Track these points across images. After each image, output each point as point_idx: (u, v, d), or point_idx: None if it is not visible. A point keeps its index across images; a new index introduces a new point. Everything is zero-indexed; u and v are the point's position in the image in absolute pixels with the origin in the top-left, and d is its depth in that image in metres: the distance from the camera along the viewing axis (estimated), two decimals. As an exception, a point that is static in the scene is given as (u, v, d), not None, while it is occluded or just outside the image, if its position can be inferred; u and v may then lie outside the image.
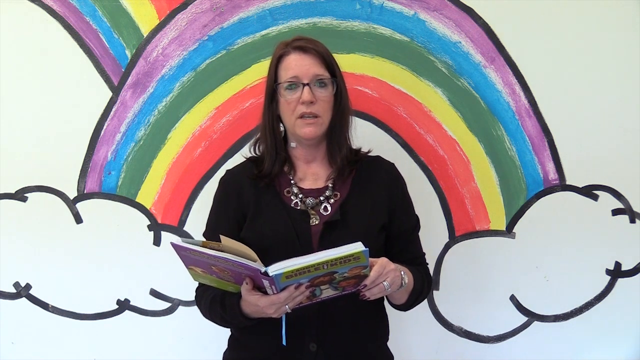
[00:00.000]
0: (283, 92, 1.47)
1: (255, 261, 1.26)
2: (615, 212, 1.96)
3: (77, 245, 1.95)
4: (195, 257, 1.32)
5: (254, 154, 1.58)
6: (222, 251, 1.28)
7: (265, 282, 1.27)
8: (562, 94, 1.92)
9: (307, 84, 1.45)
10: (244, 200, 1.52)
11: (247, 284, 1.32)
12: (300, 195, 1.51)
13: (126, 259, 1.96)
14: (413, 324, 1.95)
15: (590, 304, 1.98)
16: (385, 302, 1.58)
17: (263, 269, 1.25)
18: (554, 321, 1.99)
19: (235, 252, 1.28)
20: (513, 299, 1.99)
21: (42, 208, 1.94)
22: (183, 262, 1.37)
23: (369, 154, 1.60)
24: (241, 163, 1.61)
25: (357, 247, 1.25)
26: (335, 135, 1.53)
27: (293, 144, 1.55)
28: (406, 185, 1.60)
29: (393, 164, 1.61)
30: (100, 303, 1.97)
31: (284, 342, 1.39)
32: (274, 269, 1.24)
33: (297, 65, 1.46)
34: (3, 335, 1.97)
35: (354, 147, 1.59)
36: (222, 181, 1.59)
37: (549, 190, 1.96)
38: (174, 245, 1.31)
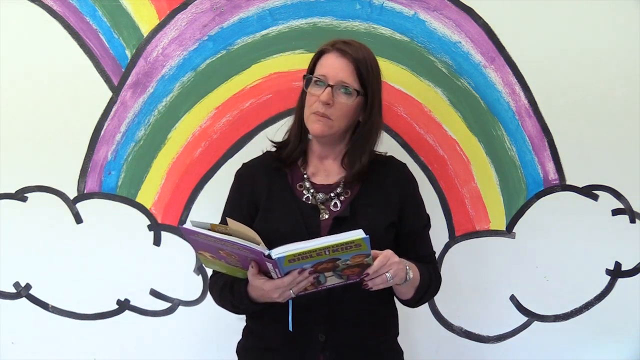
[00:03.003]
0: (310, 84, 1.51)
1: (259, 244, 1.30)
2: (615, 212, 1.96)
3: (77, 245, 1.95)
4: (204, 241, 1.35)
5: (280, 142, 1.61)
6: (228, 234, 1.31)
7: (270, 266, 1.31)
8: (562, 94, 1.92)
9: (331, 86, 1.47)
10: (257, 193, 1.56)
11: (252, 267, 1.35)
12: (312, 190, 1.54)
13: (126, 259, 1.96)
14: (413, 324, 1.95)
15: (590, 304, 1.98)
16: (395, 299, 1.59)
17: (266, 252, 1.29)
18: (554, 321, 1.99)
19: (240, 235, 1.31)
20: (513, 299, 1.99)
21: (42, 208, 1.94)
22: (192, 246, 1.41)
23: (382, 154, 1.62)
24: (258, 157, 1.64)
25: (358, 234, 1.27)
26: (359, 148, 1.54)
27: (310, 136, 1.58)
28: (417, 185, 1.62)
29: (405, 165, 1.63)
30: (100, 303, 1.97)
31: (290, 328, 1.42)
32: (277, 252, 1.28)
33: (330, 65, 1.49)
34: (3, 335, 1.97)
35: None
36: (237, 174, 1.63)
37: (549, 190, 1.96)
38: (184, 230, 1.34)
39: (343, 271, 1.33)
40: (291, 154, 1.56)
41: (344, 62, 1.48)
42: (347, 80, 1.48)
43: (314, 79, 1.50)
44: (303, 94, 1.55)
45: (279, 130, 1.66)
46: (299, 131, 1.57)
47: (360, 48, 1.52)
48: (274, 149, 1.61)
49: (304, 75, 1.54)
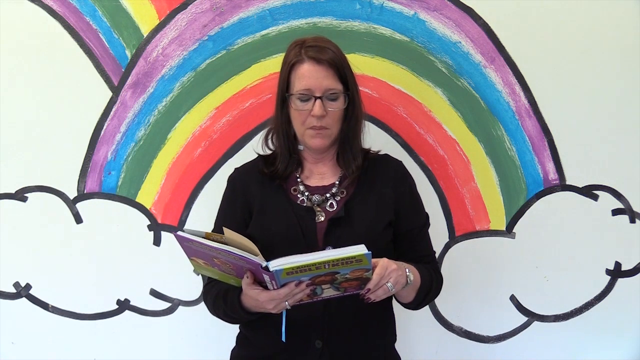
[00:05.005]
0: (295, 101, 1.47)
1: (257, 255, 1.27)
2: (615, 212, 1.96)
3: (77, 245, 1.95)
4: (198, 249, 1.32)
5: (267, 149, 1.59)
6: (224, 244, 1.29)
7: (266, 277, 1.28)
8: (562, 94, 1.92)
9: (319, 97, 1.45)
10: (251, 198, 1.54)
11: (247, 277, 1.32)
12: (306, 193, 1.52)
13: (126, 259, 1.96)
14: (413, 324, 1.95)
15: (590, 304, 1.98)
16: (394, 303, 1.58)
17: (264, 264, 1.26)
18: (554, 321, 1.99)
19: (237, 245, 1.28)
20: (513, 299, 1.99)
21: (42, 208, 1.94)
22: (185, 252, 1.38)
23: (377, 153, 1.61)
24: (250, 161, 1.63)
25: (360, 249, 1.24)
26: (348, 145, 1.53)
27: (301, 147, 1.56)
28: (414, 183, 1.60)
29: (401, 162, 1.61)
30: (100, 303, 1.97)
31: (283, 339, 1.40)
32: (275, 265, 1.25)
33: (311, 76, 1.45)
34: (3, 335, 1.97)
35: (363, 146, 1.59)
36: (230, 179, 1.61)
37: (549, 190, 1.96)
38: (178, 237, 1.32)
39: (341, 284, 1.31)
40: (285, 169, 1.54)
41: (323, 68, 1.45)
42: (332, 86, 1.46)
43: (298, 95, 1.46)
44: (279, 110, 1.52)
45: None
46: (288, 147, 1.54)
47: (328, 45, 1.48)
48: (266, 152, 1.59)
49: (284, 92, 1.49)
